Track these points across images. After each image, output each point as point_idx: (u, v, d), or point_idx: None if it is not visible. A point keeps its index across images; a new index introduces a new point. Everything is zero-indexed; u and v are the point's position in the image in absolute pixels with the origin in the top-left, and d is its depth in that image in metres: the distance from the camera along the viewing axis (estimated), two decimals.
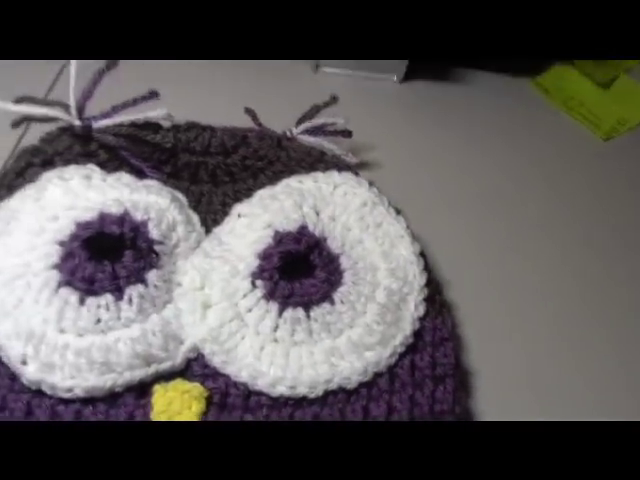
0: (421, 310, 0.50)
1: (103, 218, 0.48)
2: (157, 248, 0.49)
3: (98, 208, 0.49)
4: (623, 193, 0.67)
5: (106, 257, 0.47)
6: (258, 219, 0.52)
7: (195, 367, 0.47)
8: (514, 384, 0.52)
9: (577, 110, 0.75)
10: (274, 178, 0.55)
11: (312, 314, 0.48)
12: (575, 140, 0.72)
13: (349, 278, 0.50)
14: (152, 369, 0.46)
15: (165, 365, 0.46)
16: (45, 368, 0.44)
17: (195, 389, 0.45)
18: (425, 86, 0.74)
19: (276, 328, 0.48)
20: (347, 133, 0.59)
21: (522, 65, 0.77)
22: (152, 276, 0.48)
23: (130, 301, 0.47)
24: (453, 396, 0.47)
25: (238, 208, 0.53)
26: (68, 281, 0.46)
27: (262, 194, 0.54)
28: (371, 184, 0.55)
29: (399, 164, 0.64)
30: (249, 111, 0.59)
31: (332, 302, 0.48)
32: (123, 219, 0.48)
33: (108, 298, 0.46)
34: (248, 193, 0.54)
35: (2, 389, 0.44)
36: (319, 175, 0.55)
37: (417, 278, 0.51)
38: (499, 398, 0.51)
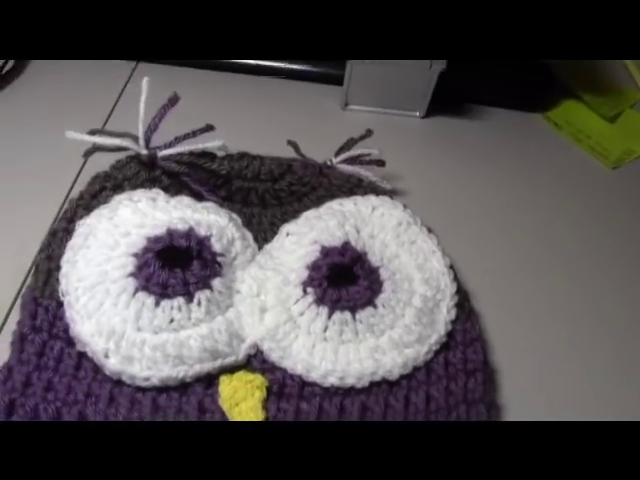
0: (453, 314, 0.56)
1: (171, 233, 0.55)
2: (219, 259, 0.55)
3: (165, 225, 0.55)
4: (631, 218, 0.73)
5: (176, 267, 0.53)
6: (305, 236, 0.58)
7: (254, 362, 0.53)
8: (534, 382, 0.57)
9: (586, 142, 0.80)
10: (317, 202, 0.62)
11: (357, 317, 0.54)
12: (584, 169, 0.78)
13: (388, 286, 0.56)
14: (218, 362, 0.51)
15: (229, 359, 0.52)
16: (125, 361, 0.50)
17: (257, 379, 0.51)
18: (445, 121, 0.80)
19: (326, 329, 0.53)
20: (381, 162, 0.66)
21: (534, 101, 0.83)
22: (217, 283, 0.54)
23: (199, 304, 0.53)
24: (483, 387, 0.53)
25: (287, 227, 0.59)
26: (144, 287, 0.52)
27: (308, 215, 0.60)
28: (405, 206, 0.61)
29: (424, 191, 0.70)
30: (292, 143, 0.66)
31: (375, 306, 0.54)
32: (189, 234, 0.55)
33: (180, 301, 0.52)
34: (294, 215, 0.61)
35: (88, 379, 0.50)
36: (358, 198, 0.61)
37: (448, 287, 0.57)
38: (521, 394, 0.56)
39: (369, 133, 0.66)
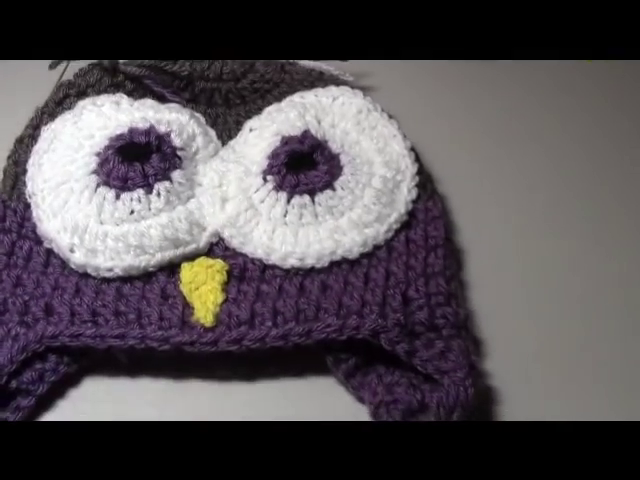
0: (413, 194, 0.56)
1: (132, 131, 0.56)
2: (180, 153, 0.56)
3: (127, 125, 0.57)
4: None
5: (136, 161, 0.55)
6: (267, 129, 0.58)
7: (216, 250, 0.54)
8: (501, 261, 0.58)
9: None
10: (280, 98, 0.62)
11: (316, 200, 0.55)
12: None
13: (348, 170, 0.56)
14: (179, 251, 0.53)
15: (190, 247, 0.53)
16: (89, 253, 0.52)
17: (217, 263, 0.52)
18: None
19: (285, 214, 0.54)
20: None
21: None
22: (176, 175, 0.55)
23: (158, 194, 0.54)
24: (444, 261, 0.54)
25: (250, 123, 0.60)
26: (105, 182, 0.54)
27: (270, 109, 0.61)
28: (365, 94, 0.61)
29: (395, 87, 0.69)
30: None
31: (333, 189, 0.55)
32: (149, 131, 0.56)
33: (140, 192, 0.54)
34: (258, 112, 0.62)
35: (55, 274, 0.52)
36: (319, 90, 0.62)
37: (409, 168, 0.57)
38: (487, 272, 0.57)
39: None
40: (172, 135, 0.56)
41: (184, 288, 0.51)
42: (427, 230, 0.55)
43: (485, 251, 0.58)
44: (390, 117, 0.60)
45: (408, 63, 0.71)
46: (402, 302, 0.51)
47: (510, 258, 0.58)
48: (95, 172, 0.55)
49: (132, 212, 0.53)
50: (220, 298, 0.50)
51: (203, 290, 0.51)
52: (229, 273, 0.52)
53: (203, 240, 0.54)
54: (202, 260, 0.53)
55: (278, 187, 0.55)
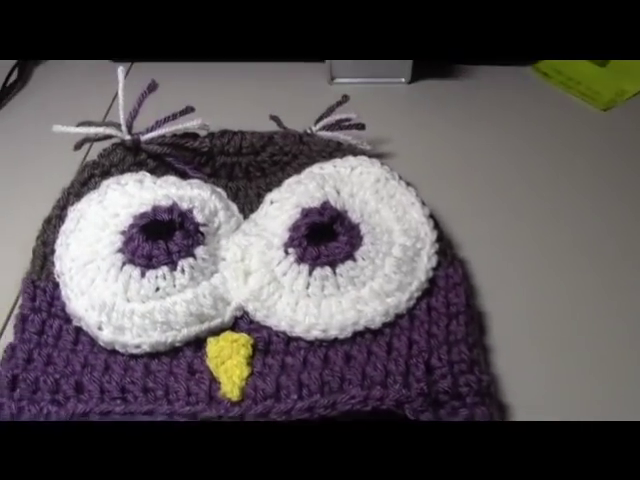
0: (434, 261, 0.57)
1: (155, 209, 0.58)
2: (202, 229, 0.57)
3: (151, 203, 0.58)
4: (627, 160, 0.72)
5: (160, 239, 0.56)
6: (287, 202, 0.60)
7: (241, 324, 0.55)
8: (523, 324, 0.58)
9: (576, 88, 0.80)
10: (299, 169, 0.64)
11: (338, 271, 0.56)
12: (577, 115, 0.77)
13: (368, 240, 0.57)
14: (205, 326, 0.54)
15: (216, 322, 0.54)
16: (117, 331, 0.53)
17: (242, 338, 0.53)
18: (432, 84, 0.82)
19: (308, 286, 0.55)
20: (360, 126, 0.67)
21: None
22: (200, 251, 0.56)
23: (183, 271, 0.55)
24: (465, 328, 0.54)
25: (270, 196, 0.62)
26: (130, 260, 0.55)
27: (289, 181, 0.62)
28: (383, 163, 0.63)
29: (414, 152, 0.71)
30: (274, 118, 0.68)
31: (354, 259, 0.56)
32: (172, 208, 0.57)
33: (164, 270, 0.55)
34: (278, 184, 0.63)
35: (85, 351, 0.53)
36: (337, 161, 0.63)
37: (428, 235, 0.58)
38: (509, 336, 0.57)
39: (345, 99, 0.68)
40: (194, 211, 0.58)
41: (210, 363, 0.52)
42: (448, 297, 0.56)
43: (507, 314, 0.58)
44: (408, 185, 0.62)
45: (423, 129, 0.74)
46: (425, 371, 0.51)
47: (532, 320, 0.58)
48: (120, 250, 0.56)
49: (157, 289, 0.54)
50: (246, 372, 0.51)
51: (229, 365, 0.51)
52: (254, 347, 0.53)
53: (228, 314, 0.55)
54: (227, 334, 0.53)
55: (300, 259, 0.56)
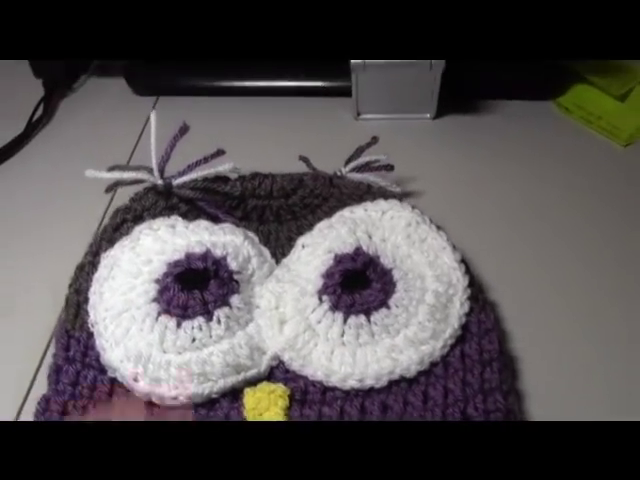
0: (466, 307, 0.57)
1: (189, 257, 0.58)
2: (236, 277, 0.58)
3: (184, 249, 0.59)
4: None
5: (195, 288, 0.56)
6: (319, 247, 0.60)
7: (277, 373, 0.55)
8: (555, 368, 0.58)
9: (597, 123, 0.80)
10: (330, 212, 0.64)
11: (372, 319, 0.56)
12: (598, 151, 0.78)
13: (401, 286, 0.57)
14: (241, 376, 0.54)
15: (252, 372, 0.54)
16: (153, 382, 0.53)
17: (279, 389, 0.53)
18: (456, 120, 0.82)
19: (343, 334, 0.55)
20: (389, 167, 0.67)
21: (543, 89, 0.84)
22: (235, 300, 0.56)
23: (219, 321, 0.55)
24: (499, 375, 0.54)
25: (302, 240, 0.62)
26: (166, 310, 0.55)
27: (321, 226, 0.62)
28: (414, 207, 0.63)
29: (439, 190, 0.72)
30: (303, 158, 0.68)
31: (388, 307, 0.56)
32: (206, 256, 0.58)
33: (200, 320, 0.55)
34: (309, 227, 0.63)
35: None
36: (368, 204, 0.63)
37: (460, 281, 0.58)
38: (542, 380, 0.57)
39: (375, 140, 0.68)
40: (228, 259, 0.58)
41: (248, 414, 0.52)
42: (481, 344, 0.56)
43: (539, 357, 0.58)
44: (439, 228, 0.62)
45: (448, 165, 0.74)
46: (463, 420, 0.51)
47: (565, 364, 0.58)
48: (155, 300, 0.56)
49: (194, 340, 0.54)
50: None
51: (267, 416, 0.51)
52: (291, 397, 0.53)
53: (264, 364, 0.55)
54: (264, 386, 0.53)
55: (334, 307, 0.56)
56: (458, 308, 0.57)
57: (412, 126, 0.81)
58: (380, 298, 0.57)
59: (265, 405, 0.52)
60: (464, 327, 0.57)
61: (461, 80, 0.77)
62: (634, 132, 0.79)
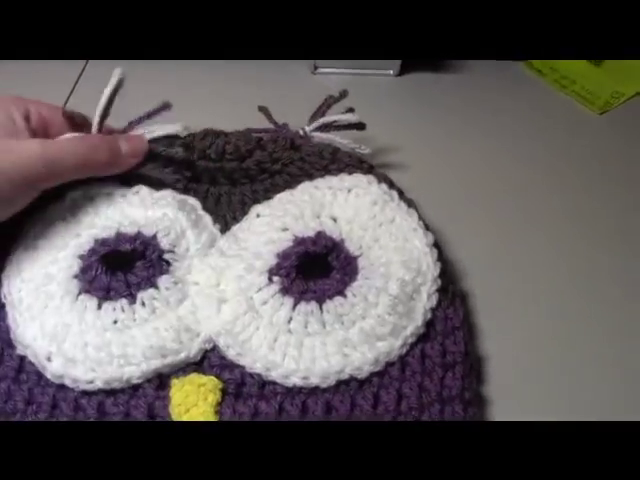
0: (434, 300, 0.51)
1: (118, 238, 0.52)
2: (167, 256, 0.52)
3: (115, 227, 0.52)
4: (623, 165, 0.68)
5: (121, 268, 0.51)
6: (277, 220, 0.54)
7: (212, 358, 0.49)
8: (526, 370, 0.53)
9: (571, 88, 0.76)
10: (290, 180, 0.57)
11: (325, 307, 0.49)
12: (571, 116, 0.73)
13: (363, 274, 0.51)
14: (167, 360, 0.48)
15: (180, 356, 0.48)
16: (68, 363, 0.47)
17: (210, 382, 0.47)
18: (421, 77, 0.77)
19: (290, 320, 0.49)
20: (361, 126, 0.60)
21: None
22: (163, 281, 0.51)
23: (143, 304, 0.50)
24: (462, 382, 0.48)
25: (257, 209, 0.55)
26: (87, 289, 0.50)
27: (281, 198, 0.56)
28: (380, 181, 0.56)
29: (404, 152, 0.66)
30: (263, 109, 0.61)
31: (344, 295, 0.50)
32: (135, 237, 0.52)
33: (123, 302, 0.49)
34: (266, 194, 0.57)
35: (29, 383, 0.47)
36: (333, 180, 0.56)
37: (431, 268, 0.52)
38: (511, 383, 0.51)
39: (344, 93, 0.60)
40: (159, 236, 0.52)
41: (173, 411, 0.46)
42: (445, 344, 0.50)
43: (510, 358, 0.53)
44: (409, 206, 0.55)
45: (412, 125, 0.71)
46: None
47: (538, 368, 0.53)
48: (77, 277, 0.50)
49: (115, 322, 0.49)
50: None
51: (194, 413, 0.46)
52: (224, 391, 0.47)
53: (195, 348, 0.49)
54: (194, 377, 0.47)
55: (285, 290, 0.50)
56: (425, 301, 0.51)
57: (374, 82, 0.76)
58: (338, 288, 0.50)
59: (193, 400, 0.46)
60: (428, 323, 0.50)
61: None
62: (609, 99, 0.75)
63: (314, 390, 0.48)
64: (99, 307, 0.49)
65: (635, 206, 0.64)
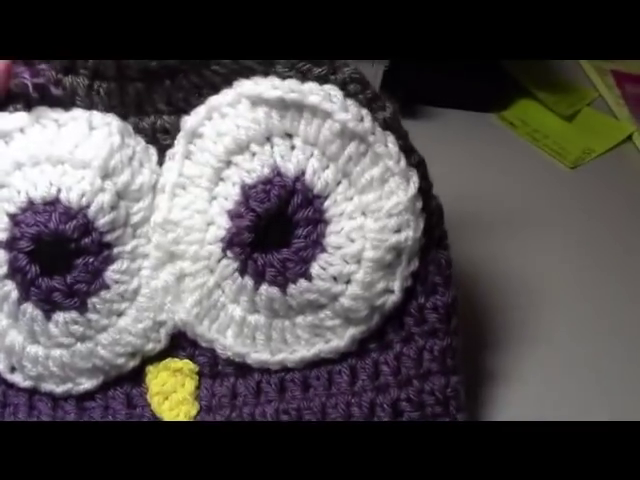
0: (415, 264, 0.45)
1: (40, 232, 0.42)
2: (108, 239, 0.43)
3: (32, 195, 0.42)
4: (593, 219, 0.70)
5: (56, 268, 0.43)
6: (215, 147, 0.43)
7: (182, 342, 0.46)
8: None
9: (543, 142, 0.77)
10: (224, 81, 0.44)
11: (289, 291, 0.44)
12: (543, 170, 0.75)
13: (330, 241, 0.44)
14: (138, 357, 0.46)
15: (148, 348, 0.46)
16: (36, 378, 0.45)
17: (185, 366, 0.46)
18: None
19: (254, 304, 0.45)
20: None
21: (487, 100, 0.80)
22: (110, 274, 0.44)
23: (95, 309, 0.44)
24: (445, 358, 0.46)
25: (189, 122, 0.44)
26: (25, 298, 0.43)
27: (213, 105, 0.44)
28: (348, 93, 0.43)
29: None
30: None
31: (310, 279, 0.44)
32: (63, 213, 0.42)
33: (73, 314, 0.44)
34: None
35: (2, 387, 0.46)
36: (276, 81, 0.43)
37: (412, 225, 0.44)
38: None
39: None
40: (89, 213, 0.42)
41: (152, 400, 0.46)
42: (424, 313, 0.46)
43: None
44: (387, 128, 0.44)
45: None
46: (393, 414, 0.45)
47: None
48: (10, 277, 0.43)
49: (72, 333, 0.44)
50: (194, 410, 0.46)
51: (174, 401, 0.45)
52: (200, 373, 0.46)
53: (163, 338, 0.46)
54: (168, 362, 0.46)
55: (241, 272, 0.44)
56: (404, 266, 0.44)
57: None
58: (300, 267, 0.43)
59: (171, 387, 0.46)
60: (410, 291, 0.45)
61: (402, 83, 0.70)
62: (581, 154, 0.77)
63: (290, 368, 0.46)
64: (48, 319, 0.43)
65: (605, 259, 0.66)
